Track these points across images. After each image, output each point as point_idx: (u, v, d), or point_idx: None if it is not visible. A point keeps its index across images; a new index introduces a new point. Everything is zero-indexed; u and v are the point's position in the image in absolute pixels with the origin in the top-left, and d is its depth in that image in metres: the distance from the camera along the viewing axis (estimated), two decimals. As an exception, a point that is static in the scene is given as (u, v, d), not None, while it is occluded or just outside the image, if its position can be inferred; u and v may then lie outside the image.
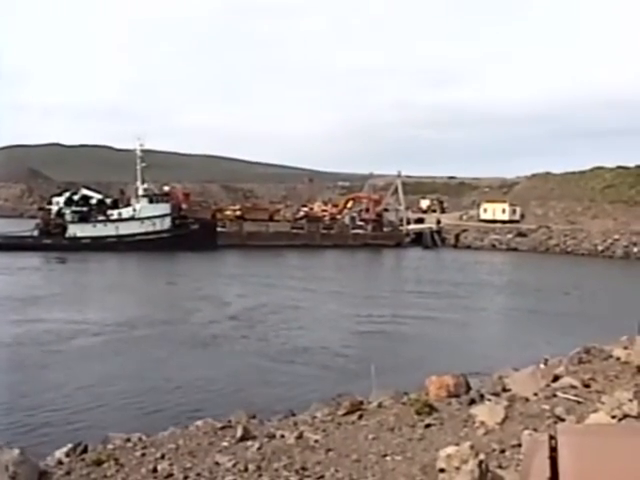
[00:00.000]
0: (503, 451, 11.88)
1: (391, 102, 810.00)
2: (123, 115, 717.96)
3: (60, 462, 13.47)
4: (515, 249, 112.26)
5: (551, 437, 3.11)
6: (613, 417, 11.76)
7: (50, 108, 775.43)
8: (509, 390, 17.03)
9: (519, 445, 11.53)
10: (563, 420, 13.08)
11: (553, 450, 2.99)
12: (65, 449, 14.13)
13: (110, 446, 14.69)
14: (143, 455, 13.66)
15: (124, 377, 29.22)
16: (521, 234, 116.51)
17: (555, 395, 15.36)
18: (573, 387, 15.82)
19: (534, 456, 3.06)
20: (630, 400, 12.73)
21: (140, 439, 15.18)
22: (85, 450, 14.15)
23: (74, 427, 21.38)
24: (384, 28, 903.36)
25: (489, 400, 15.97)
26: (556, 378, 17.09)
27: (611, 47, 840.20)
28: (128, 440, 15.09)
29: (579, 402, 14.54)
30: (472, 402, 15.97)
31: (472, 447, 9.02)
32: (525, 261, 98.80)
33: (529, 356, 23.89)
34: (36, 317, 42.98)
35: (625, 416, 11.95)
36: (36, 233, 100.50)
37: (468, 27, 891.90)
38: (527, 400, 15.43)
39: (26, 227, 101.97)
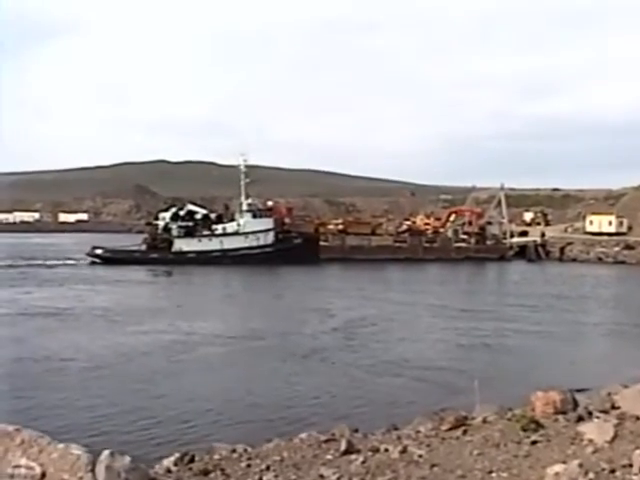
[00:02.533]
0: (613, 471, 11.57)
1: (489, 114, 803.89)
2: (226, 131, 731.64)
3: (169, 470, 13.75)
4: (622, 262, 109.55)
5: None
6: None
7: (155, 125, 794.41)
8: (618, 407, 16.58)
9: (630, 465, 11.24)
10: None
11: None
12: (173, 458, 14.40)
13: (216, 456, 14.88)
14: (248, 466, 13.80)
15: (231, 388, 29.66)
16: (628, 247, 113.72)
17: (667, 413, 14.92)
18: (686, 405, 15.33)
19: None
20: None
21: (245, 450, 15.35)
22: (192, 459, 14.39)
23: (181, 436, 21.76)
24: (481, 39, 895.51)
25: (597, 417, 15.60)
26: (668, 396, 16.58)
27: None
28: (234, 451, 15.27)
29: (692, 421, 14.09)
30: (580, 419, 15.62)
31: (581, 465, 8.88)
32: (633, 274, 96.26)
33: (638, 373, 23.25)
34: (147, 329, 44.09)
35: None
36: (144, 247, 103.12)
37: (565, 37, 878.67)
38: (638, 419, 15.01)
39: (134, 242, 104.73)
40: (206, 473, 13.31)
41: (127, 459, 8.39)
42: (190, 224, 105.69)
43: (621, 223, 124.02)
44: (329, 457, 14.35)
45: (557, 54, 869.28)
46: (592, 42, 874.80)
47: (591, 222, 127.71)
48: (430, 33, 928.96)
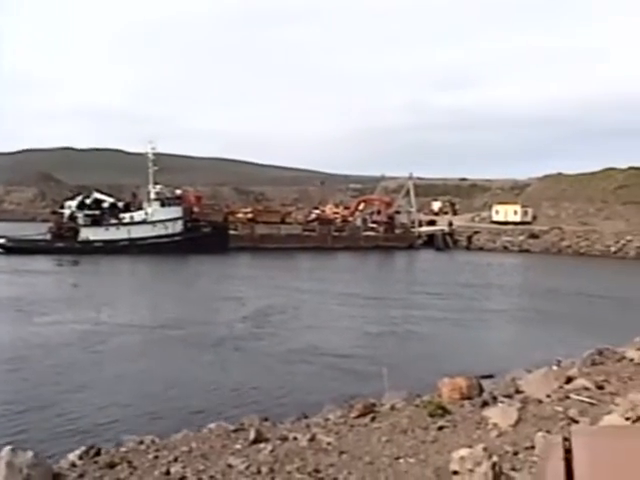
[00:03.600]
0: (516, 453, 11.83)
1: (403, 105, 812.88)
2: (134, 119, 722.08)
3: (73, 465, 13.48)
4: (527, 251, 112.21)
5: (565, 439, 3.10)
6: (627, 419, 11.69)
7: (61, 112, 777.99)
8: (522, 392, 16.96)
9: (532, 447, 11.50)
10: (576, 422, 13.03)
11: (567, 452, 2.98)
12: (78, 452, 14.12)
13: (123, 449, 14.69)
14: (156, 458, 13.65)
15: (138, 379, 29.28)
16: (533, 236, 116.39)
17: (568, 397, 15.30)
18: (586, 389, 15.74)
19: (549, 458, 3.04)
20: (644, 402, 12.67)
21: (153, 442, 15.19)
22: (98, 453, 14.14)
23: (87, 429, 21.42)
24: (396, 31, 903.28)
25: (502, 402, 15.91)
26: (569, 380, 17.02)
27: (621, 46, 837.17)
28: (141, 443, 15.09)
29: (592, 404, 14.47)
30: (485, 404, 15.91)
31: (485, 449, 9.00)
32: (537, 263, 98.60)
33: (542, 358, 23.82)
34: (54, 320, 43.10)
35: (639, 418, 11.90)
36: (49, 237, 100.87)
37: (481, 30, 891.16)
38: (540, 402, 15.37)
39: (39, 231, 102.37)
40: (112, 466, 13.10)
41: (29, 454, 8.20)
42: (97, 213, 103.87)
43: (526, 213, 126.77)
44: (238, 447, 14.29)
45: (473, 48, 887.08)
46: (506, 37, 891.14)
47: (497, 212, 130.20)
48: (347, 25, 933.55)
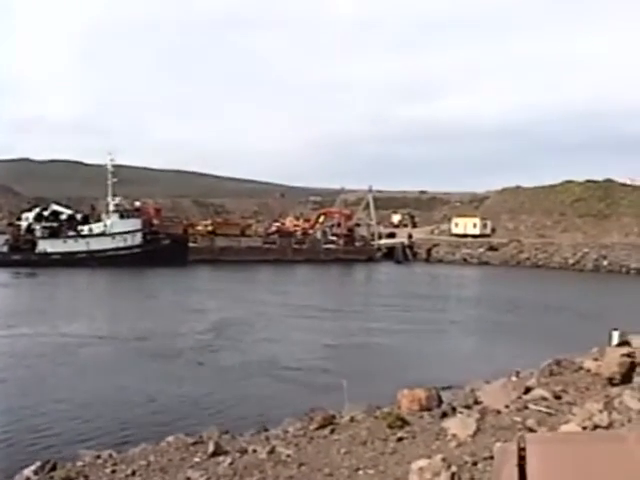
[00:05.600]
0: (475, 463, 11.88)
1: (362, 117, 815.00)
2: (93, 130, 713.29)
3: (29, 480, 13.34)
4: (486, 263, 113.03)
5: (519, 446, 3.12)
6: (584, 428, 11.82)
7: (19, 123, 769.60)
8: (481, 402, 17.07)
9: (491, 457, 11.53)
10: (535, 432, 13.12)
11: (522, 458, 3.00)
12: (34, 467, 13.97)
13: (80, 463, 14.54)
14: (113, 472, 13.54)
15: (96, 392, 28.94)
16: (492, 248, 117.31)
17: (527, 407, 15.42)
18: (544, 399, 15.88)
19: (503, 464, 3.07)
20: (600, 411, 12.82)
21: (110, 455, 15.06)
22: (54, 468, 14.00)
23: (47, 444, 21.13)
24: (355, 43, 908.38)
25: (461, 413, 16.00)
26: (527, 390, 17.16)
27: (577, 61, 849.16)
28: (98, 457, 14.96)
29: (550, 414, 14.59)
30: (444, 415, 15.99)
31: (444, 460, 9.04)
32: (496, 275, 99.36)
33: (500, 369, 23.96)
34: (4, 333, 42.40)
35: (595, 427, 12.02)
36: (5, 249, 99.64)
37: (439, 43, 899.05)
38: (499, 412, 15.47)
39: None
40: (68, 480, 12.98)
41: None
42: (55, 225, 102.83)
43: (485, 225, 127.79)
44: (197, 460, 14.23)
45: (434, 59, 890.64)
46: (468, 48, 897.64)
47: (456, 224, 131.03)
48: (305, 35, 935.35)
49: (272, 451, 14.37)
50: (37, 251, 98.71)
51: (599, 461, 2.85)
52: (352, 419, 17.14)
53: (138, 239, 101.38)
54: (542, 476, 2.78)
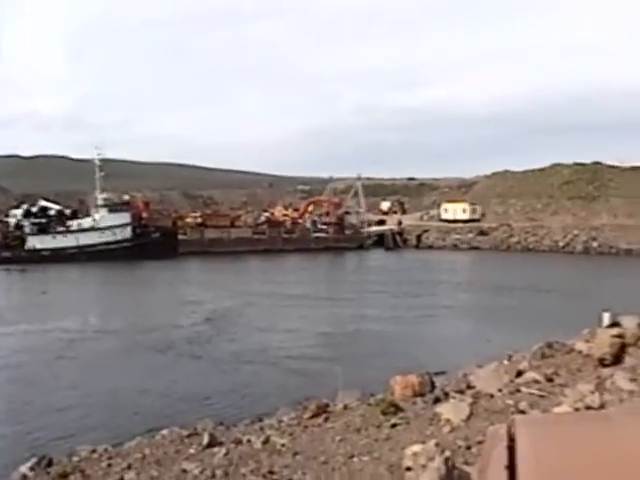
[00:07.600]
0: (469, 447, 11.95)
1: (350, 105, 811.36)
2: (80, 125, 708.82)
3: (25, 477, 13.35)
4: (477, 248, 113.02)
5: (510, 428, 3.15)
6: (576, 410, 11.88)
7: (6, 119, 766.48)
8: (473, 387, 17.12)
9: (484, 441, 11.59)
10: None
11: (511, 440, 3.03)
12: (30, 463, 13.99)
13: (76, 458, 14.55)
14: (109, 466, 13.56)
15: (91, 387, 28.97)
16: (482, 233, 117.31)
17: (519, 390, 15.48)
18: (536, 382, 15.94)
19: (493, 446, 3.10)
20: (592, 392, 12.91)
21: (106, 450, 15.08)
22: (50, 463, 14.02)
23: (39, 440, 21.15)
24: (347, 31, 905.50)
25: (454, 398, 16.05)
26: (520, 373, 17.21)
27: (569, 44, 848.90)
28: (94, 451, 14.97)
29: (543, 396, 14.66)
30: (437, 400, 16.04)
31: (438, 445, 9.08)
32: (487, 259, 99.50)
33: (492, 353, 24.01)
34: (4, 330, 42.45)
35: (587, 408, 12.09)
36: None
37: (426, 31, 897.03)
38: (491, 396, 15.53)
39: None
40: (65, 476, 13.00)
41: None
42: (43, 221, 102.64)
43: (474, 210, 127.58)
44: (192, 451, 14.25)
45: (421, 47, 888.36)
46: (456, 36, 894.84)
47: (446, 210, 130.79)
48: (295, 25, 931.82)
49: (267, 441, 14.41)
50: (26, 247, 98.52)
51: (586, 440, 2.88)
52: (346, 407, 17.19)
53: (127, 233, 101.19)
54: (531, 457, 2.81)
